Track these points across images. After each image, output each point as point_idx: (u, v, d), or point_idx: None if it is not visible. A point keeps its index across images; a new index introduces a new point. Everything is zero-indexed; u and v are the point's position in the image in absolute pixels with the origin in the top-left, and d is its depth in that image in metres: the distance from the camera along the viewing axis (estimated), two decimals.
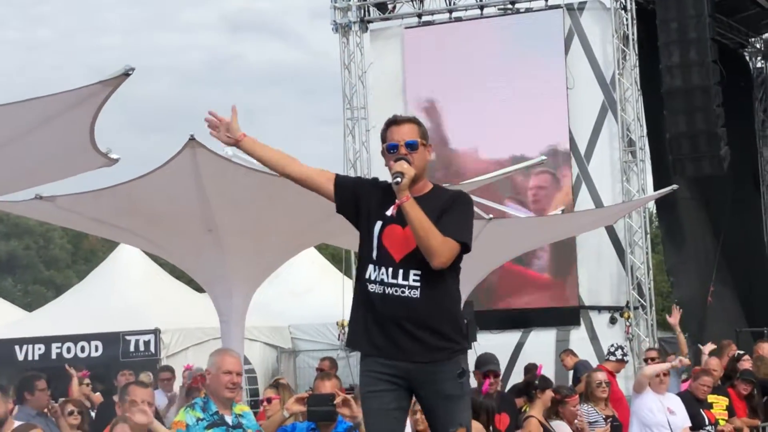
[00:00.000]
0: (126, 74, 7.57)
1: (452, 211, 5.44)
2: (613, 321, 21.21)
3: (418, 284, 5.38)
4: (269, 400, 8.76)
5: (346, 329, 22.47)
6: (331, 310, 22.87)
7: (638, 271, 21.01)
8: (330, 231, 13.15)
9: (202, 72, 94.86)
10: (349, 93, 23.25)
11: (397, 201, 5.32)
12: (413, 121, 5.64)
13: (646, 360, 13.72)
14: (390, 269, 5.40)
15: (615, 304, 21.32)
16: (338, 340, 22.94)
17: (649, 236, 21.65)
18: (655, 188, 20.90)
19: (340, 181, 5.57)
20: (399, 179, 5.29)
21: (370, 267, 5.46)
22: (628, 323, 20.85)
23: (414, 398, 5.61)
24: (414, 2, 22.98)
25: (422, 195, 5.46)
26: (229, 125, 5.48)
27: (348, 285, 22.77)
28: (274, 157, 5.51)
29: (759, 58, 27.17)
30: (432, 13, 23.05)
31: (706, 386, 11.81)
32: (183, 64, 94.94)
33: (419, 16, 23.11)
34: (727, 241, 23.83)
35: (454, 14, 22.86)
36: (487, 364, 10.56)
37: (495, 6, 22.54)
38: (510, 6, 22.37)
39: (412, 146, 5.49)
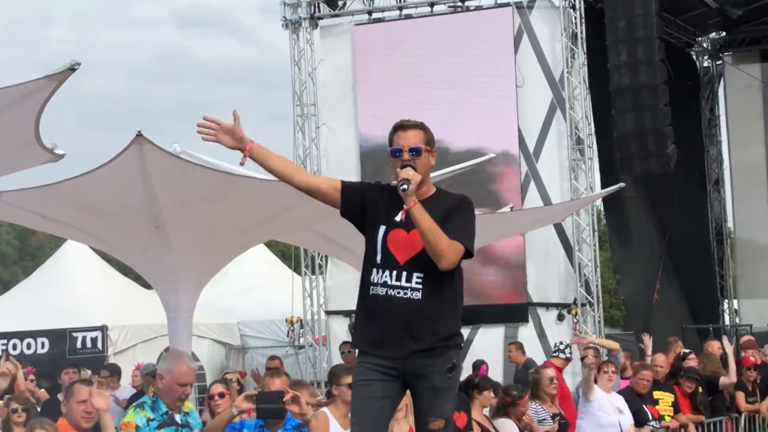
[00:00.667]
0: (72, 69, 7.52)
1: (456, 215, 5.65)
2: (560, 318, 21.32)
3: (420, 286, 5.58)
4: (221, 395, 8.73)
5: (295, 327, 22.60)
6: (281, 307, 22.85)
7: (586, 269, 21.13)
8: (280, 228, 13.14)
9: (152, 67, 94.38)
10: (299, 89, 23.20)
11: (405, 206, 5.50)
12: (419, 126, 5.78)
13: (582, 358, 13.49)
14: (394, 272, 5.59)
15: (563, 301, 21.42)
16: (287, 336, 22.91)
17: (596, 234, 21.77)
18: (603, 186, 21.02)
19: (347, 188, 5.72)
20: (406, 186, 5.47)
21: (374, 271, 5.65)
22: (575, 320, 20.97)
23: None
24: None
25: (426, 198, 5.63)
26: (233, 130, 5.54)
27: (297, 282, 22.77)
28: (283, 166, 5.65)
29: (705, 57, 27.43)
30: (382, 10, 23.04)
31: (645, 380, 11.90)
32: (132, 60, 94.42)
33: (369, 13, 23.09)
34: (673, 239, 24.03)
35: (404, 11, 22.86)
36: None
37: (445, 3, 22.56)
38: (460, 4, 22.40)
39: (416, 152, 5.65)
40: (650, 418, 11.73)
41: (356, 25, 23.08)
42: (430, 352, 5.57)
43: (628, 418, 11.19)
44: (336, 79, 23.15)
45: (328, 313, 22.82)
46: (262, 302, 24.40)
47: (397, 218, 5.56)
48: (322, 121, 23.11)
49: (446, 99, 22.10)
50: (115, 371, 15.24)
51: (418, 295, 5.56)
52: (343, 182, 5.74)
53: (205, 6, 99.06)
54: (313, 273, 22.92)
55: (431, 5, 22.57)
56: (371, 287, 5.64)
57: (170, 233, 11.43)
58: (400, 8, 22.80)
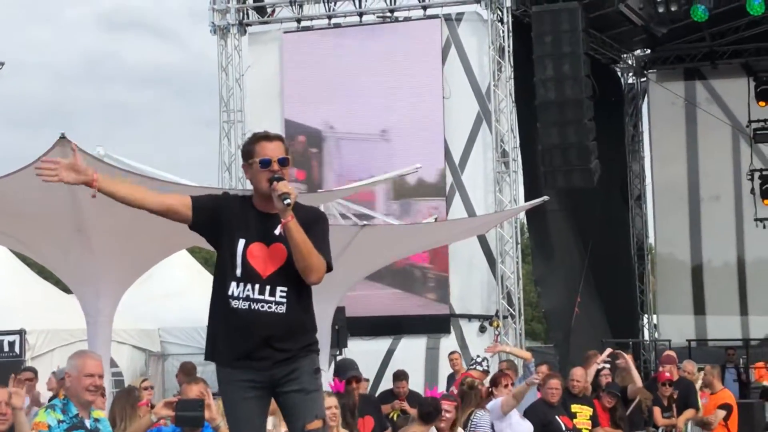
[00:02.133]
0: None
1: (316, 231, 5.62)
2: (482, 329, 21.42)
3: (284, 300, 5.58)
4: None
5: None
6: (202, 314, 22.32)
7: (508, 281, 21.26)
8: None
9: (77, 70, 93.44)
10: (226, 96, 23.11)
11: (283, 220, 5.45)
12: (281, 138, 5.77)
13: (494, 378, 13.18)
14: (257, 285, 5.56)
15: (485, 312, 21.54)
16: None
17: (519, 246, 21.91)
18: (526, 199, 21.15)
19: (197, 203, 5.62)
20: (289, 200, 5.44)
21: (233, 284, 5.58)
22: (497, 332, 21.08)
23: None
24: (293, 7, 22.91)
25: (275, 213, 5.57)
26: (75, 165, 5.36)
27: None
28: (132, 191, 5.52)
29: (630, 74, 27.74)
30: (311, 18, 23.03)
31: (554, 389, 11.92)
32: (57, 62, 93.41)
33: (298, 21, 23.06)
34: (595, 253, 24.25)
35: (333, 20, 22.87)
36: (348, 370, 10.57)
37: (374, 14, 22.61)
38: (389, 14, 22.46)
39: (284, 163, 5.64)
40: (563, 427, 11.77)
41: (285, 32, 23.05)
42: (296, 356, 5.61)
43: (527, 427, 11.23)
44: (263, 86, 23.09)
45: None
46: (183, 309, 24.15)
47: (277, 231, 5.52)
48: (248, 128, 23.01)
49: (373, 108, 22.14)
50: (35, 374, 15.05)
51: (282, 309, 5.57)
52: (192, 197, 5.66)
53: (132, 10, 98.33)
54: None
55: (360, 15, 22.61)
56: (231, 300, 5.58)
57: (91, 237, 11.34)
58: (329, 17, 22.80)
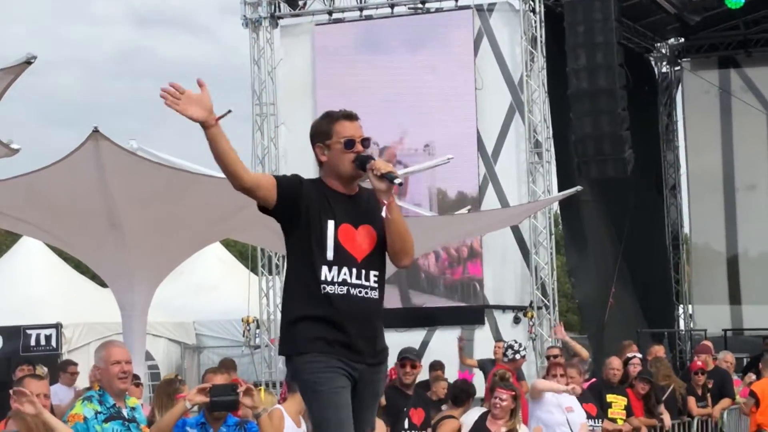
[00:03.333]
0: (28, 62, 7.47)
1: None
2: (516, 320, 21.38)
3: (377, 285, 5.34)
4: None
5: (251, 327, 22.50)
6: (237, 307, 22.77)
7: (542, 272, 21.19)
8: (236, 227, 13.10)
9: (110, 65, 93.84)
10: (258, 89, 23.14)
11: (385, 201, 5.21)
12: (358, 118, 5.47)
13: (548, 357, 13.79)
14: (354, 270, 5.27)
15: (519, 303, 21.50)
16: (243, 336, 22.82)
17: (553, 237, 21.85)
18: (560, 190, 21.07)
19: (282, 184, 5.30)
20: (399, 179, 5.20)
21: (324, 268, 5.25)
22: (531, 323, 21.04)
23: None
24: None
25: (354, 195, 5.40)
26: (201, 99, 5.12)
27: (254, 281, 22.70)
28: (233, 157, 5.17)
29: (664, 63, 27.59)
30: (342, 10, 23.01)
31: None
32: (90, 57, 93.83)
33: (330, 13, 23.06)
34: (629, 243, 24.13)
35: (365, 12, 22.85)
36: (405, 352, 10.39)
37: (405, 5, 22.57)
38: (420, 5, 22.42)
39: (366, 143, 5.39)
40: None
41: (316, 25, 23.05)
42: (379, 357, 5.39)
43: (578, 417, 11.19)
44: (295, 78, 23.11)
45: None
46: (218, 302, 24.30)
47: (383, 213, 5.23)
48: (281, 121, 23.05)
49: (405, 100, 22.14)
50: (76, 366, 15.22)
51: (375, 294, 5.32)
52: (276, 177, 5.37)
53: (164, 4, 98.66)
54: (270, 273, 22.85)
55: (392, 6, 22.58)
56: (323, 285, 5.22)
57: (126, 231, 11.40)
58: (361, 9, 22.79)
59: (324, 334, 5.24)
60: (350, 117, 5.40)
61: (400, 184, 5.17)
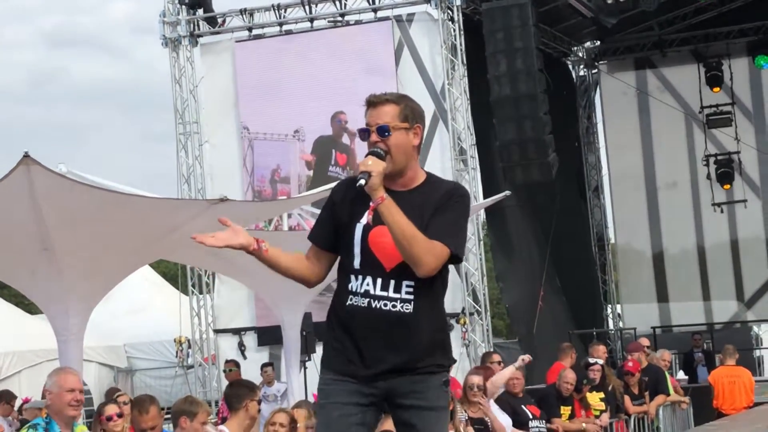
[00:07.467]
0: None
1: (444, 210, 4.69)
2: (450, 327, 21.48)
3: (411, 297, 4.67)
4: (119, 415, 8.62)
5: (184, 346, 22.35)
6: (167, 328, 22.64)
7: (473, 278, 21.30)
8: (167, 247, 13.02)
9: (23, 89, 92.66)
10: (180, 108, 23.02)
11: (371, 203, 4.56)
12: (393, 100, 4.87)
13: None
14: (379, 280, 4.65)
15: (451, 310, 21.54)
16: (176, 357, 22.67)
17: (482, 243, 21.98)
18: (485, 196, 21.22)
19: (317, 240, 4.86)
20: (363, 180, 4.52)
21: (351, 278, 4.70)
22: (464, 329, 21.13)
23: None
24: (244, 16, 22.88)
25: (411, 189, 4.75)
26: (240, 232, 4.71)
27: (185, 301, 22.56)
28: (296, 269, 4.80)
29: (581, 66, 27.90)
30: (262, 26, 22.98)
31: (516, 378, 11.99)
32: (2, 82, 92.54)
33: (250, 29, 23.02)
34: (555, 246, 24.36)
35: (285, 27, 22.84)
36: None
37: (325, 18, 22.61)
38: (340, 18, 22.47)
39: (384, 131, 4.73)
40: (530, 416, 11.83)
41: (237, 41, 23.00)
42: (423, 369, 4.73)
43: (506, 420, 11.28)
44: (218, 96, 23.03)
45: (217, 331, 22.63)
46: (148, 323, 24.17)
47: (363, 220, 4.65)
48: (205, 139, 22.97)
49: (329, 113, 22.15)
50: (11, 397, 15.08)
51: (409, 308, 4.64)
52: (311, 238, 4.87)
53: (75, 26, 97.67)
54: (201, 292, 22.73)
55: (311, 20, 22.60)
56: (349, 297, 4.69)
57: (58, 255, 11.26)
58: (281, 24, 22.76)
59: (338, 352, 4.75)
60: (372, 102, 4.90)
61: (360, 186, 4.55)
